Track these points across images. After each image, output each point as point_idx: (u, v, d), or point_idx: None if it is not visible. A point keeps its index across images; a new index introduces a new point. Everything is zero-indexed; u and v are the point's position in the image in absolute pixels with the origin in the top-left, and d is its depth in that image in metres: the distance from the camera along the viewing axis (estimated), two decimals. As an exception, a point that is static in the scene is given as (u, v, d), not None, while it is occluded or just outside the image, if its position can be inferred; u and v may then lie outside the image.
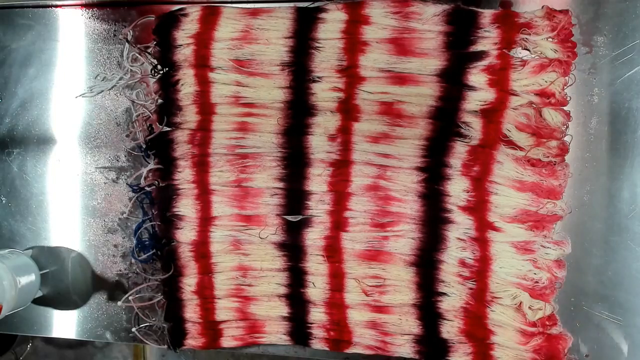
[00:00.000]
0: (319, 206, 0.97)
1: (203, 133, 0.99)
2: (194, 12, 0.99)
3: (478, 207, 0.92)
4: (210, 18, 0.98)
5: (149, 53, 1.02)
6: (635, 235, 0.92)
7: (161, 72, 1.01)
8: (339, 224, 0.97)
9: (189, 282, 1.02)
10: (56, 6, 1.08)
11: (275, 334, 1.02)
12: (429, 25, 0.92)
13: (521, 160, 0.91)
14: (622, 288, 0.93)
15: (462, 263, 0.94)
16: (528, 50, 0.91)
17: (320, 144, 0.96)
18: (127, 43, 1.04)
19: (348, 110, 0.95)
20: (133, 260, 1.07)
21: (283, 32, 0.96)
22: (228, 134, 0.99)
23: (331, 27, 0.95)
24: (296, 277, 1.00)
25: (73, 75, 1.08)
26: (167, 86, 1.00)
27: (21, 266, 1.04)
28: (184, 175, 1.00)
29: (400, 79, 0.94)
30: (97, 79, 1.07)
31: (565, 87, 0.90)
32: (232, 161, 0.99)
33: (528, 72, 0.90)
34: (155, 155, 1.02)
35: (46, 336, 1.26)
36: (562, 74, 0.90)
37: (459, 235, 0.94)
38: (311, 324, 1.00)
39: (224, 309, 1.02)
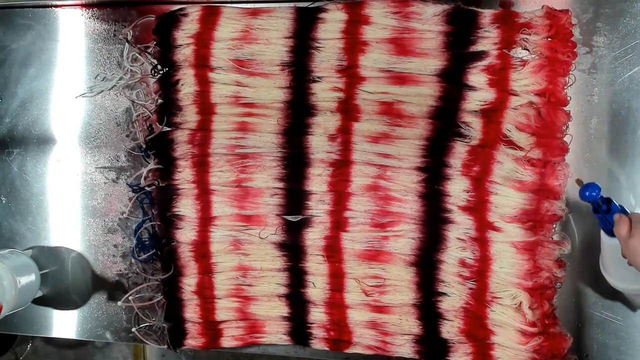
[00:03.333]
0: (319, 206, 0.97)
1: (203, 133, 0.99)
2: (194, 12, 0.99)
3: (478, 207, 0.92)
4: (210, 18, 0.98)
5: (149, 53, 1.02)
6: (635, 235, 0.92)
7: (161, 72, 1.01)
8: (339, 224, 0.97)
9: (189, 282, 1.02)
10: (56, 6, 1.08)
11: (275, 334, 1.02)
12: (429, 25, 0.92)
13: (521, 160, 0.91)
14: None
15: (462, 263, 0.94)
16: (528, 50, 0.91)
17: (320, 144, 0.96)
18: (127, 43, 1.04)
19: (348, 110, 0.95)
20: (133, 260, 1.07)
21: (283, 32, 0.96)
22: (228, 134, 0.99)
23: (331, 27, 0.95)
24: (296, 277, 0.99)
25: (73, 75, 1.08)
26: (167, 86, 1.00)
27: (21, 266, 1.04)
28: (184, 175, 1.00)
29: (400, 79, 0.94)
30: (97, 79, 1.07)
31: (565, 87, 0.90)
32: (232, 161, 0.99)
33: (528, 72, 0.90)
34: (155, 155, 1.02)
35: (46, 336, 1.26)
36: (562, 74, 0.90)
37: (459, 235, 0.94)
38: (311, 324, 1.00)
39: (224, 309, 1.02)
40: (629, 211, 0.79)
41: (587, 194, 0.78)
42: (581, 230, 0.93)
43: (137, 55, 1.04)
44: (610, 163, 0.92)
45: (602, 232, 0.83)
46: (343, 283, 0.98)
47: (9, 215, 1.11)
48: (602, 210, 0.79)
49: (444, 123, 0.93)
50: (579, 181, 0.82)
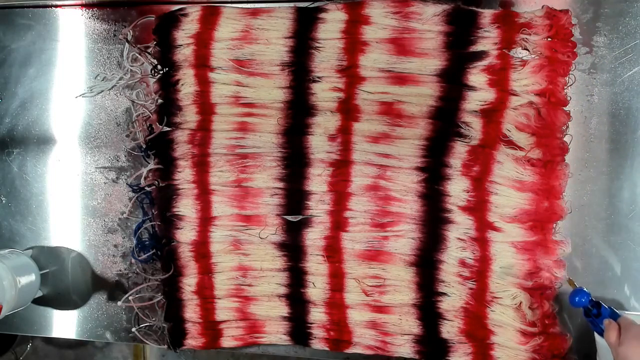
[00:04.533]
0: (319, 206, 0.97)
1: (203, 133, 0.99)
2: (194, 12, 0.99)
3: (478, 207, 0.92)
4: (210, 18, 0.98)
5: (149, 53, 1.02)
6: (635, 235, 0.92)
7: (161, 72, 1.01)
8: (339, 224, 0.97)
9: (189, 282, 1.02)
10: (56, 6, 1.08)
11: (275, 334, 1.02)
12: (429, 25, 0.92)
13: (521, 160, 0.91)
14: (622, 288, 0.93)
15: (462, 263, 0.94)
16: (528, 50, 0.91)
17: (320, 144, 0.96)
18: (127, 43, 1.04)
19: (348, 110, 0.95)
20: (133, 260, 1.07)
21: (283, 32, 0.96)
22: (228, 134, 0.99)
23: (331, 27, 0.95)
24: (296, 277, 1.00)
25: (73, 75, 1.08)
26: (167, 86, 1.00)
27: (21, 266, 1.04)
28: (184, 175, 1.00)
29: (400, 79, 0.94)
30: (97, 79, 1.07)
31: (565, 87, 0.90)
32: (232, 161, 0.99)
33: (528, 72, 0.90)
34: (155, 155, 1.02)
35: (46, 336, 1.26)
36: (562, 74, 0.90)
37: (459, 235, 0.94)
38: (311, 324, 1.00)
39: (224, 309, 1.02)
40: (619, 313, 0.81)
41: (576, 299, 0.81)
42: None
43: (137, 55, 1.04)
44: (610, 163, 0.92)
45: (595, 333, 0.85)
46: (343, 283, 0.98)
47: (9, 215, 1.11)
48: (593, 314, 0.82)
49: (444, 123, 0.93)
50: (571, 282, 0.84)
